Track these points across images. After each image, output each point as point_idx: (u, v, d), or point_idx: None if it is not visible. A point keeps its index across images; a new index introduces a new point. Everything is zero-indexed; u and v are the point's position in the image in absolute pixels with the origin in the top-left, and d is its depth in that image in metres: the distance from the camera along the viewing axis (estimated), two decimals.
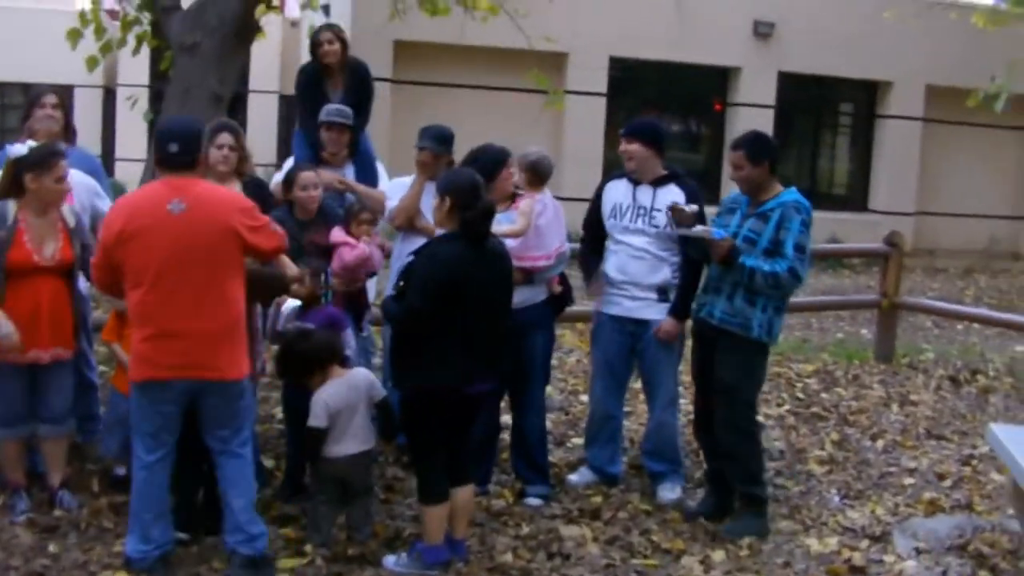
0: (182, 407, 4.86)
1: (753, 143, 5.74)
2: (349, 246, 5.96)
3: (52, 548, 5.16)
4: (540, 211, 6.06)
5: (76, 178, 5.93)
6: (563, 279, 6.34)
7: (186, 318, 4.72)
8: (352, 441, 5.29)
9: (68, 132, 6.34)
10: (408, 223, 6.39)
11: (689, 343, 6.19)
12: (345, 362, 5.46)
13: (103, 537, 5.33)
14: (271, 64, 22.47)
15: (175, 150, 4.83)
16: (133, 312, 4.83)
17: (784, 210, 5.61)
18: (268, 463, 6.29)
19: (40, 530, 5.35)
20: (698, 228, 5.67)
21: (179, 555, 5.09)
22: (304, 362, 5.31)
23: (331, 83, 7.17)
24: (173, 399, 4.81)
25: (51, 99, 6.34)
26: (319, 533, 5.33)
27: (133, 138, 22.73)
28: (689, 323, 6.13)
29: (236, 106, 8.96)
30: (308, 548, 5.25)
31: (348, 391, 5.29)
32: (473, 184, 5.07)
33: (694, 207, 5.78)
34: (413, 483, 5.97)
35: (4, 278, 5.25)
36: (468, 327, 4.93)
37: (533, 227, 5.94)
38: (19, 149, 5.34)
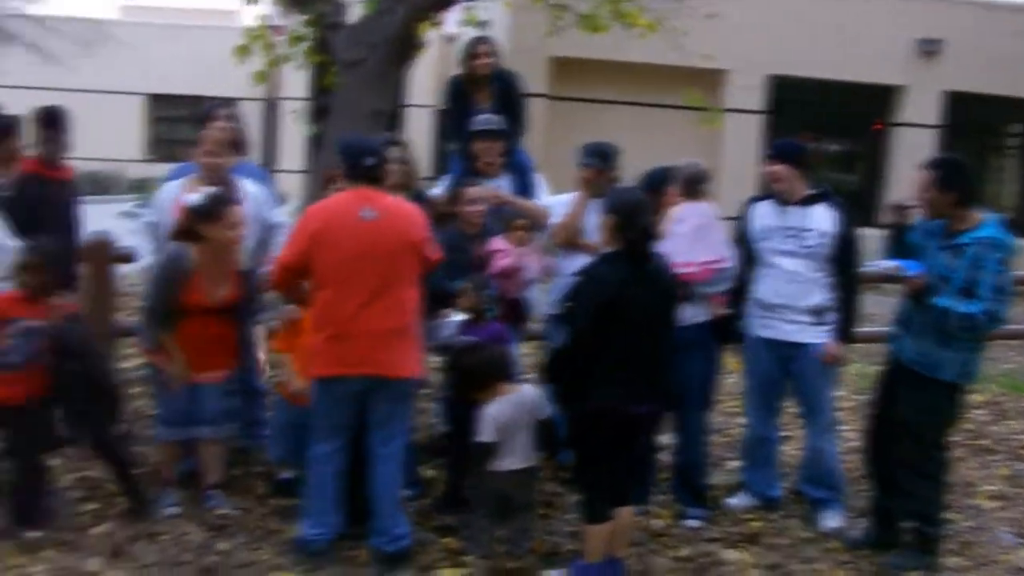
0: (357, 403, 5.15)
1: (946, 167, 5.47)
2: (502, 253, 5.99)
3: (221, 546, 5.32)
4: (684, 219, 5.95)
5: (247, 188, 6.12)
6: (731, 302, 6.17)
7: (368, 318, 5.06)
8: (515, 457, 5.32)
9: (239, 145, 6.52)
10: (569, 241, 6.38)
11: (853, 367, 6.04)
12: (512, 378, 5.49)
13: (269, 539, 5.48)
14: (427, 79, 22.75)
15: (371, 163, 5.18)
16: (316, 312, 5.13)
17: (979, 248, 5.33)
18: (427, 473, 6.35)
19: (209, 529, 5.52)
20: (890, 264, 5.53)
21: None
22: (477, 376, 5.37)
23: (479, 95, 7.20)
24: (349, 395, 5.16)
25: (224, 112, 6.55)
26: (478, 546, 5.36)
27: (293, 150, 23.30)
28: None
29: (393, 121, 9.08)
30: (467, 559, 5.30)
31: (515, 408, 5.32)
32: (637, 203, 5.04)
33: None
34: (571, 499, 6.00)
35: (175, 316, 5.51)
36: (631, 347, 4.90)
37: (673, 234, 5.83)
38: (193, 198, 5.52)
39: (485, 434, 5.28)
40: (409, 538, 5.32)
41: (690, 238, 5.87)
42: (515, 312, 6.21)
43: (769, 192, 6.16)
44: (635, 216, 4.96)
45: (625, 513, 5.15)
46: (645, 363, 4.96)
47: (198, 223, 5.46)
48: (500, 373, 5.38)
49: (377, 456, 5.28)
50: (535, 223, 6.39)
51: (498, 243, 6.13)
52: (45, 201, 6.30)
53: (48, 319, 5.27)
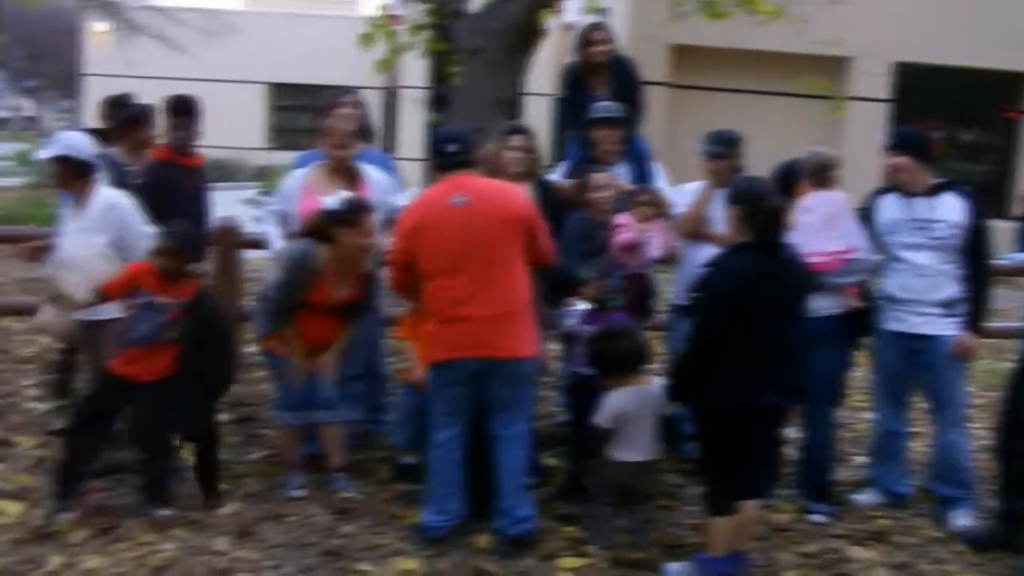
0: (472, 388, 5.23)
1: None
2: (624, 228, 5.96)
3: (345, 529, 5.39)
4: (812, 208, 5.81)
5: (372, 175, 6.18)
6: (865, 297, 6.03)
7: (477, 301, 5.11)
8: (638, 449, 5.28)
9: (365, 133, 6.58)
10: (694, 231, 6.31)
11: (983, 363, 5.87)
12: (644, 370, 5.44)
13: (392, 523, 5.53)
14: (545, 67, 22.72)
15: (453, 150, 5.27)
16: (428, 301, 5.21)
17: None
18: (548, 462, 6.34)
19: (334, 512, 5.59)
20: (1022, 255, 5.36)
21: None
22: (620, 359, 5.32)
23: (596, 82, 7.15)
24: (464, 379, 5.21)
25: (349, 100, 6.61)
26: (600, 536, 5.34)
27: (413, 138, 23.49)
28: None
29: (513, 109, 9.07)
30: (589, 549, 5.28)
31: (640, 399, 5.28)
32: (764, 192, 4.97)
33: None
34: (693, 491, 5.95)
35: (296, 309, 5.65)
36: (760, 339, 4.82)
37: (801, 224, 5.69)
38: (332, 201, 5.59)
39: (602, 419, 5.25)
40: (533, 522, 5.34)
41: (819, 228, 5.73)
42: (640, 302, 6.15)
43: (893, 184, 6.01)
44: (763, 205, 4.88)
45: (749, 507, 5.07)
46: (776, 355, 4.88)
47: (333, 226, 5.53)
48: (632, 362, 5.33)
49: (499, 439, 5.31)
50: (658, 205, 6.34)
51: (622, 219, 6.09)
52: (176, 188, 6.43)
53: (179, 299, 5.36)
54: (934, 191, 5.87)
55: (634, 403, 5.25)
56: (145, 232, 5.64)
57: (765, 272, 4.83)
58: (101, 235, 5.64)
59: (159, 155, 6.57)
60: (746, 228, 4.88)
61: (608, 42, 7.12)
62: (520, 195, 5.41)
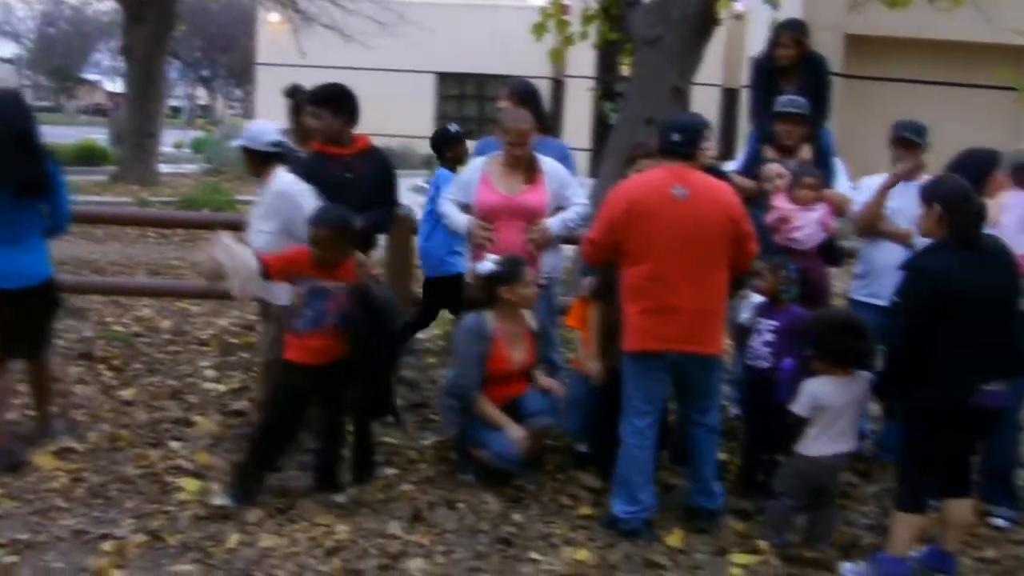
0: (671, 377, 5.24)
1: None
2: (776, 208, 5.91)
3: (517, 518, 5.41)
4: (1010, 208, 5.62)
5: (548, 166, 6.18)
6: None
7: (684, 295, 5.12)
8: (832, 443, 5.15)
9: (540, 122, 6.58)
10: (871, 227, 6.17)
11: None
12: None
13: (563, 512, 5.54)
14: (715, 57, 22.47)
15: (677, 139, 5.24)
16: (632, 287, 5.20)
17: None
18: (720, 456, 6.24)
19: (506, 499, 5.62)
20: None
21: None
22: (847, 352, 5.15)
23: (785, 78, 7.03)
24: (664, 368, 5.24)
25: (505, 92, 6.76)
26: (778, 533, 5.24)
27: (579, 129, 23.53)
28: None
29: (686, 99, 8.99)
30: (761, 545, 5.20)
31: (841, 391, 5.13)
32: (963, 190, 4.81)
33: None
34: (869, 491, 5.90)
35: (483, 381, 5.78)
36: (971, 337, 4.67)
37: (998, 224, 5.46)
38: (487, 266, 5.74)
39: (800, 406, 5.14)
40: (725, 499, 5.49)
41: (1015, 229, 5.50)
42: (816, 294, 6.04)
43: None
44: (964, 205, 4.75)
45: (962, 506, 5.00)
46: (989, 351, 4.71)
47: (498, 287, 5.72)
48: (858, 360, 5.16)
49: (696, 425, 5.40)
50: (837, 208, 6.23)
51: (780, 200, 6.02)
52: (330, 178, 6.48)
53: (345, 282, 5.39)
54: None
55: (833, 394, 5.11)
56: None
57: (967, 269, 4.68)
58: (272, 221, 5.79)
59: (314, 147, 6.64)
60: (945, 227, 4.74)
61: (790, 48, 6.95)
62: (735, 198, 5.36)
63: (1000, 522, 5.70)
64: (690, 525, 5.39)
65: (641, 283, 5.16)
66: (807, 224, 6.05)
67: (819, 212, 6.08)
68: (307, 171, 6.09)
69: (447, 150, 7.46)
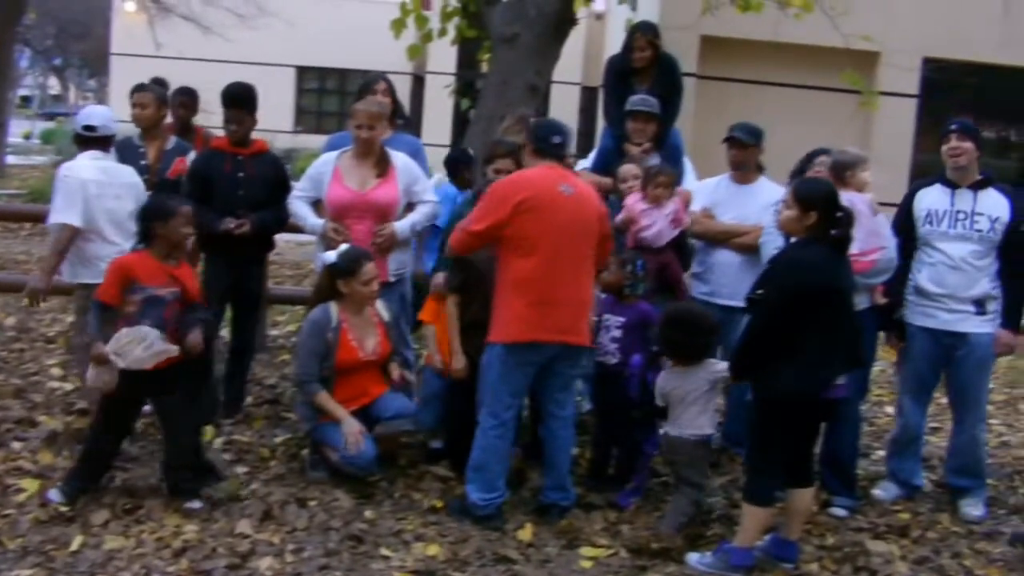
0: (539, 370, 5.40)
1: None
2: (625, 208, 6.10)
3: (368, 514, 5.40)
4: None
5: (399, 161, 6.20)
6: (888, 291, 6.00)
7: (567, 288, 5.30)
8: (686, 427, 5.38)
9: (394, 117, 6.60)
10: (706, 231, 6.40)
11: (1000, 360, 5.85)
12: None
13: (415, 507, 5.56)
14: (574, 55, 22.69)
15: (558, 141, 5.46)
16: (520, 279, 5.28)
17: None
18: (572, 450, 6.33)
19: (358, 496, 5.61)
20: None
21: None
22: (680, 347, 5.40)
23: (638, 78, 7.14)
24: (537, 361, 5.36)
25: (381, 86, 6.69)
26: (671, 520, 5.43)
27: (440, 125, 23.52)
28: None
29: (542, 97, 9.05)
30: (608, 541, 5.29)
31: (687, 382, 5.37)
32: (831, 191, 5.02)
33: None
34: (716, 482, 6.04)
35: (334, 374, 5.77)
36: (833, 331, 4.85)
37: None
38: (329, 256, 5.77)
39: (659, 398, 5.46)
40: (574, 495, 5.63)
41: None
42: (669, 288, 6.16)
43: (937, 176, 6.02)
44: (833, 205, 4.92)
45: (806, 495, 5.18)
46: (841, 347, 4.92)
47: (337, 279, 5.74)
48: (700, 351, 5.40)
49: (555, 418, 5.53)
50: (684, 202, 6.37)
51: (633, 198, 6.14)
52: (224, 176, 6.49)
53: (180, 287, 5.32)
54: (979, 185, 5.88)
55: (682, 385, 5.38)
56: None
57: (830, 264, 4.90)
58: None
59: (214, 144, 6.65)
60: (815, 225, 4.90)
61: (647, 51, 7.04)
62: (599, 197, 5.61)
63: (840, 511, 5.88)
64: (541, 520, 5.45)
65: (530, 276, 5.26)
66: (655, 222, 6.14)
67: (671, 209, 6.18)
68: (201, 167, 6.39)
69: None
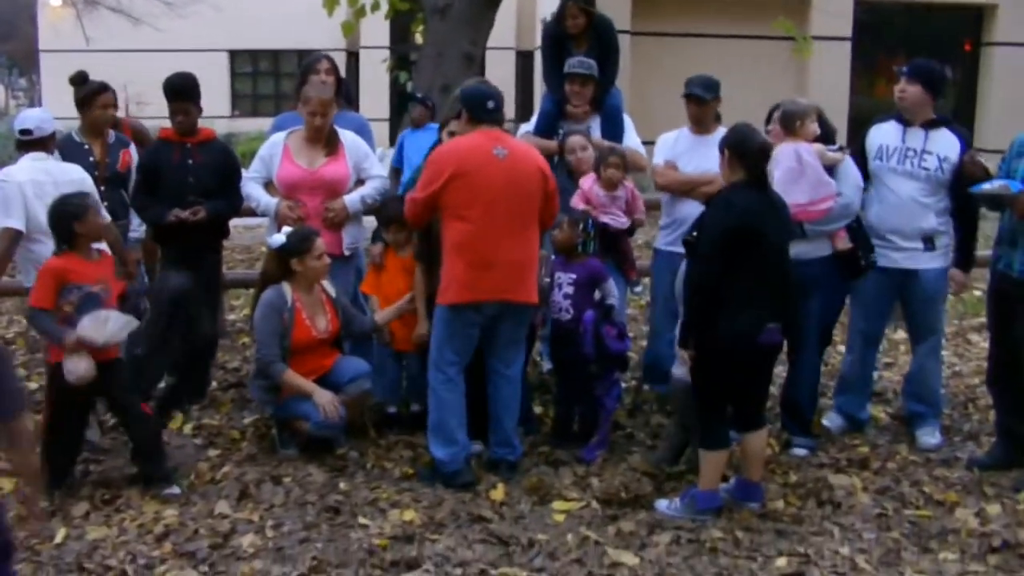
0: (483, 329, 5.51)
1: None
2: (581, 194, 6.17)
3: (343, 486, 5.50)
4: (778, 161, 5.67)
5: (347, 139, 6.26)
6: (855, 237, 6.01)
7: (504, 248, 5.40)
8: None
9: (339, 96, 6.63)
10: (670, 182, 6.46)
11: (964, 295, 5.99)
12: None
13: (387, 476, 5.67)
14: (507, 21, 22.65)
15: (492, 106, 5.52)
16: (457, 242, 5.40)
17: None
18: (537, 409, 6.51)
19: (330, 470, 5.70)
20: (996, 183, 5.49)
21: None
22: None
23: (575, 42, 7.18)
24: (480, 321, 5.49)
25: (324, 65, 6.71)
26: (662, 455, 5.71)
27: (376, 99, 23.42)
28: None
29: (479, 65, 9.10)
30: (578, 494, 5.41)
31: None
32: (751, 132, 5.11)
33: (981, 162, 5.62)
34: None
35: (289, 354, 5.86)
36: (762, 276, 4.96)
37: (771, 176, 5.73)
38: (279, 239, 5.83)
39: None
40: (523, 449, 5.82)
41: (784, 181, 5.59)
42: (621, 253, 6.27)
43: (894, 113, 6.15)
44: (751, 145, 5.03)
45: (758, 438, 5.29)
46: (777, 292, 5.02)
47: (289, 259, 5.81)
48: None
49: (500, 376, 5.64)
50: (632, 165, 6.45)
51: (586, 182, 6.20)
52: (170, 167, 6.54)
53: (106, 282, 5.38)
54: (931, 125, 6.02)
55: None
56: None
57: (765, 208, 5.01)
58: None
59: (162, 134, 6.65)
60: (738, 168, 5.02)
61: (579, 17, 7.03)
62: (542, 157, 5.67)
63: (800, 451, 6.03)
64: (499, 476, 5.59)
65: (467, 239, 5.37)
66: (616, 218, 6.23)
67: (623, 195, 6.26)
68: (150, 160, 6.46)
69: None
